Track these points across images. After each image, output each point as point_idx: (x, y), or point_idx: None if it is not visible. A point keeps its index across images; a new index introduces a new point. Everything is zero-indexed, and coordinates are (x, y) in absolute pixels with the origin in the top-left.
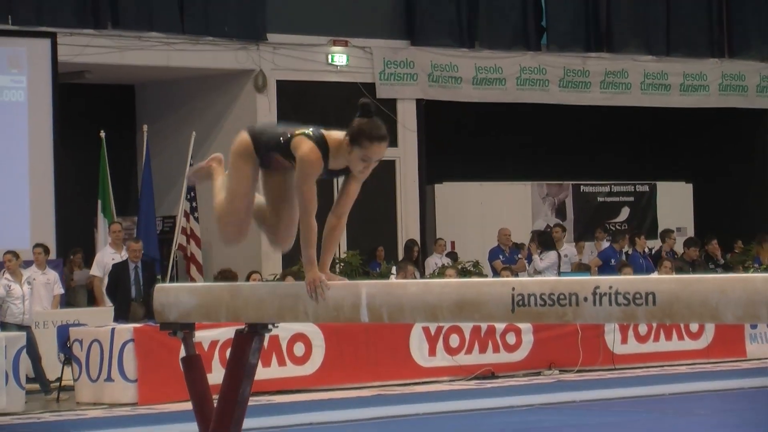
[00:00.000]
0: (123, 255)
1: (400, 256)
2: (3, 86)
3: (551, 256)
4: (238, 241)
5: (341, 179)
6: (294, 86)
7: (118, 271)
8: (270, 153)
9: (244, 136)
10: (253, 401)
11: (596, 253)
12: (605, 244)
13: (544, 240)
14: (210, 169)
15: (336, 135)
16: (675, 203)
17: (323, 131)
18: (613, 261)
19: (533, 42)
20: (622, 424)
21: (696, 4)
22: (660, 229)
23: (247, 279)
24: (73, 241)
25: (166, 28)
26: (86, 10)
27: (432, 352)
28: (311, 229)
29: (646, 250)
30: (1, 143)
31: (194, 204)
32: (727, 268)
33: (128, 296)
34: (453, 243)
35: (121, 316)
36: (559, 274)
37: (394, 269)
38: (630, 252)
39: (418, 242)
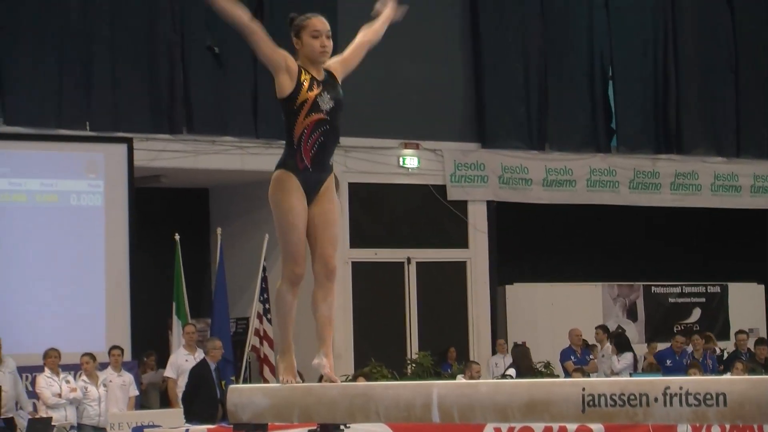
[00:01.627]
0: (197, 357)
1: (472, 356)
2: (81, 191)
3: (628, 357)
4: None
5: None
6: (366, 188)
7: (199, 373)
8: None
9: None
10: None
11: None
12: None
13: (620, 342)
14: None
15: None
16: (747, 304)
17: None
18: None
19: (603, 144)
20: None
21: (766, 105)
22: (732, 330)
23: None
24: (147, 343)
25: (240, 133)
26: (162, 115)
27: None
28: None
29: (718, 350)
30: (79, 246)
31: (267, 306)
32: None
33: (213, 397)
34: (524, 344)
35: (201, 417)
36: (631, 374)
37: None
38: (699, 352)
39: (491, 343)
